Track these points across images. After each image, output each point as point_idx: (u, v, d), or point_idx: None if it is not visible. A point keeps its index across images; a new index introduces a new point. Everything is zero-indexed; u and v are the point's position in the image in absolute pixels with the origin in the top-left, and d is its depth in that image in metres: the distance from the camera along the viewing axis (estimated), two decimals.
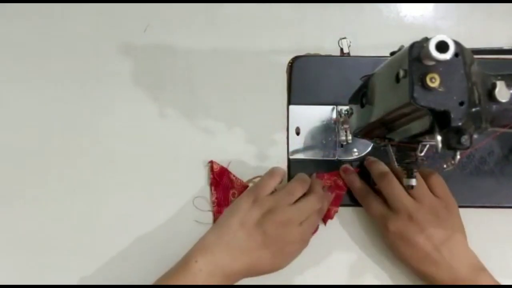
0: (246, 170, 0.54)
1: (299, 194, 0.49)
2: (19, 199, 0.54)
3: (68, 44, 0.58)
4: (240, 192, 0.53)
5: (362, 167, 0.53)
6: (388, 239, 0.49)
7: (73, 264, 0.53)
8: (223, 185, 0.53)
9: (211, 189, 0.54)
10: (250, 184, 0.54)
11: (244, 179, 0.54)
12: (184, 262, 0.45)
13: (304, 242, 0.49)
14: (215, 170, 0.54)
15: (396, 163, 0.44)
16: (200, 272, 0.44)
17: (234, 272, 0.46)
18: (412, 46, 0.33)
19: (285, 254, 0.48)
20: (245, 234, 0.46)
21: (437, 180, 0.49)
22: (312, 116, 0.56)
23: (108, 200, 0.54)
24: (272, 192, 0.50)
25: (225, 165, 0.54)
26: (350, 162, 0.54)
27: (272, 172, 0.52)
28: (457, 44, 0.32)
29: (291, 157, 0.55)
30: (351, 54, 0.53)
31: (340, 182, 0.53)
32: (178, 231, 0.53)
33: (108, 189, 0.54)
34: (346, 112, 0.51)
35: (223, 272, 0.45)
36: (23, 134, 0.56)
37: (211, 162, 0.54)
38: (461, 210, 0.53)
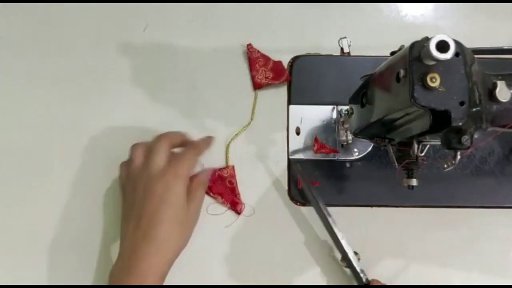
0: (246, 170, 0.54)
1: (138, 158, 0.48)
2: (18, 198, 0.54)
3: (68, 44, 0.58)
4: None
5: None
6: None
7: (73, 264, 0.53)
8: (214, 181, 0.53)
9: (211, 195, 0.53)
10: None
11: (244, 178, 0.54)
12: None
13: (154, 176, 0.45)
14: None
15: (396, 163, 0.44)
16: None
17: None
18: (413, 45, 0.33)
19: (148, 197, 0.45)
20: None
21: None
22: (312, 116, 0.56)
23: (107, 199, 0.54)
24: None
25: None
26: (350, 161, 0.54)
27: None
28: (457, 43, 0.32)
29: (291, 157, 0.55)
30: (351, 53, 0.53)
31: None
32: None
33: (108, 188, 0.54)
34: (346, 112, 0.51)
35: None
36: (22, 133, 0.56)
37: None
38: (462, 210, 0.53)
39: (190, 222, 0.46)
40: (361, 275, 0.48)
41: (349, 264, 0.49)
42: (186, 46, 0.58)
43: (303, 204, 0.54)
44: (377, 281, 0.49)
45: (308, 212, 0.53)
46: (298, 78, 0.56)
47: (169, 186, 0.45)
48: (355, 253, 0.49)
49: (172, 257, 0.45)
